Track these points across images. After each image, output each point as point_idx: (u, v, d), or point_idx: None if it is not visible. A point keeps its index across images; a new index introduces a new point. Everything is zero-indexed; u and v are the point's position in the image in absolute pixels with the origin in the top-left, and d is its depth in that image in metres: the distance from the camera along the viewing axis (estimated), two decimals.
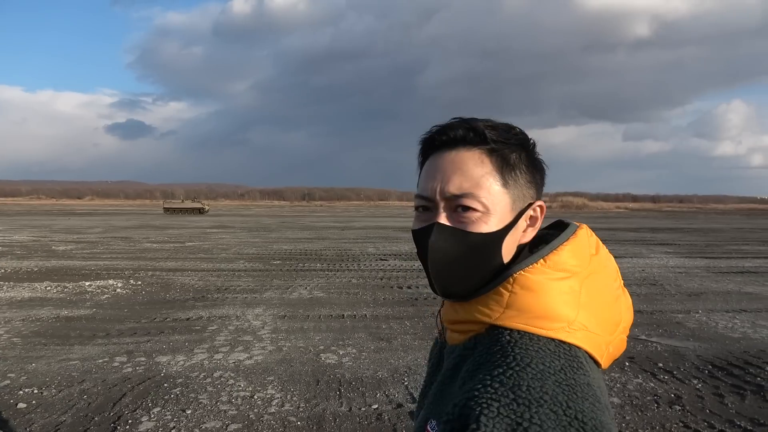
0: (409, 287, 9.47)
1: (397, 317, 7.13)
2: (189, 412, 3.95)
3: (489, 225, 0.70)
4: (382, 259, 13.74)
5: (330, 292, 9.00)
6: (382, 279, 10.41)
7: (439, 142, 0.75)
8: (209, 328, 6.45)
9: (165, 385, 4.50)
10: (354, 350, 5.58)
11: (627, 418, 3.91)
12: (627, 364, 5.16)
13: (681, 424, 3.82)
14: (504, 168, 0.72)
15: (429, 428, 0.69)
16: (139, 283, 9.73)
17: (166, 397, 4.22)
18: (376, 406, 4.11)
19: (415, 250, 0.76)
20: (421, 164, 0.79)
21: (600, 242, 0.77)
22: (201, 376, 4.73)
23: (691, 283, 10.19)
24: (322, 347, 5.67)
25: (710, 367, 5.09)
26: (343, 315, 7.23)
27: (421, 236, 0.74)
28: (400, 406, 4.10)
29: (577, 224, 0.78)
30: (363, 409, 4.06)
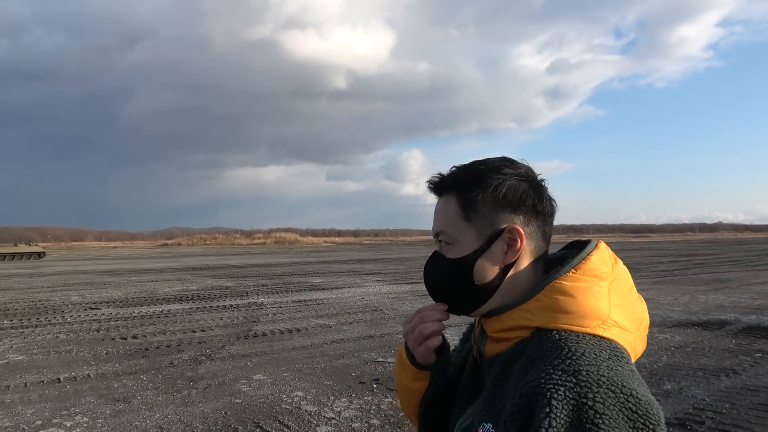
0: (134, 337, 8.47)
1: (130, 372, 6.31)
2: None
3: (456, 252, 0.87)
4: (92, 308, 11.96)
5: (32, 353, 7.43)
6: (98, 331, 9.06)
7: (432, 192, 0.94)
8: None
9: None
10: (85, 419, 4.71)
11: None
12: (375, 385, 5.59)
13: None
14: (465, 205, 0.86)
15: (482, 431, 0.77)
16: None
17: None
18: None
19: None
20: None
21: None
22: None
23: (404, 306, 11.61)
24: (39, 422, 4.64)
25: None
26: (58, 379, 6.04)
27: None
28: None
29: (596, 240, 0.90)
30: None
